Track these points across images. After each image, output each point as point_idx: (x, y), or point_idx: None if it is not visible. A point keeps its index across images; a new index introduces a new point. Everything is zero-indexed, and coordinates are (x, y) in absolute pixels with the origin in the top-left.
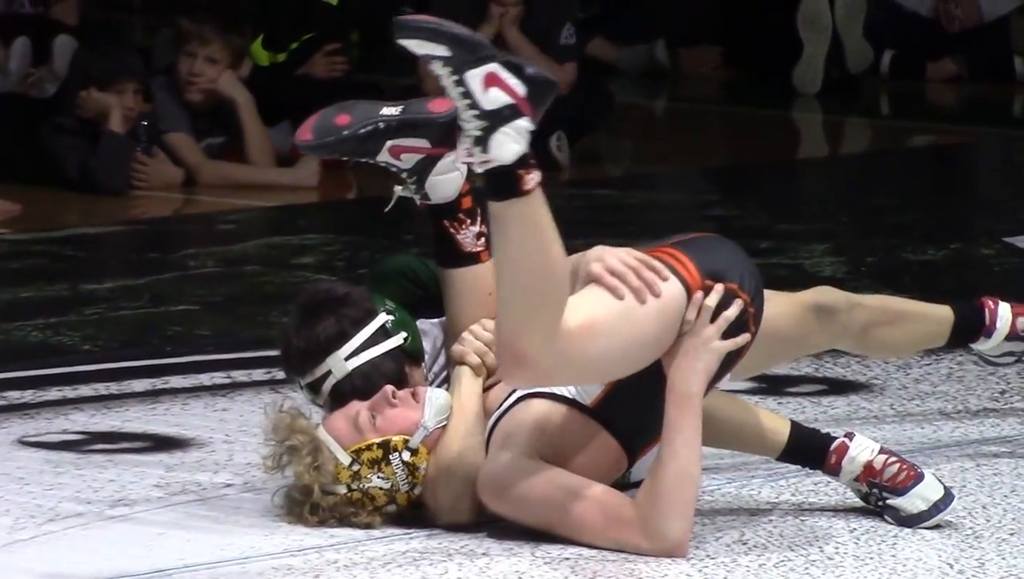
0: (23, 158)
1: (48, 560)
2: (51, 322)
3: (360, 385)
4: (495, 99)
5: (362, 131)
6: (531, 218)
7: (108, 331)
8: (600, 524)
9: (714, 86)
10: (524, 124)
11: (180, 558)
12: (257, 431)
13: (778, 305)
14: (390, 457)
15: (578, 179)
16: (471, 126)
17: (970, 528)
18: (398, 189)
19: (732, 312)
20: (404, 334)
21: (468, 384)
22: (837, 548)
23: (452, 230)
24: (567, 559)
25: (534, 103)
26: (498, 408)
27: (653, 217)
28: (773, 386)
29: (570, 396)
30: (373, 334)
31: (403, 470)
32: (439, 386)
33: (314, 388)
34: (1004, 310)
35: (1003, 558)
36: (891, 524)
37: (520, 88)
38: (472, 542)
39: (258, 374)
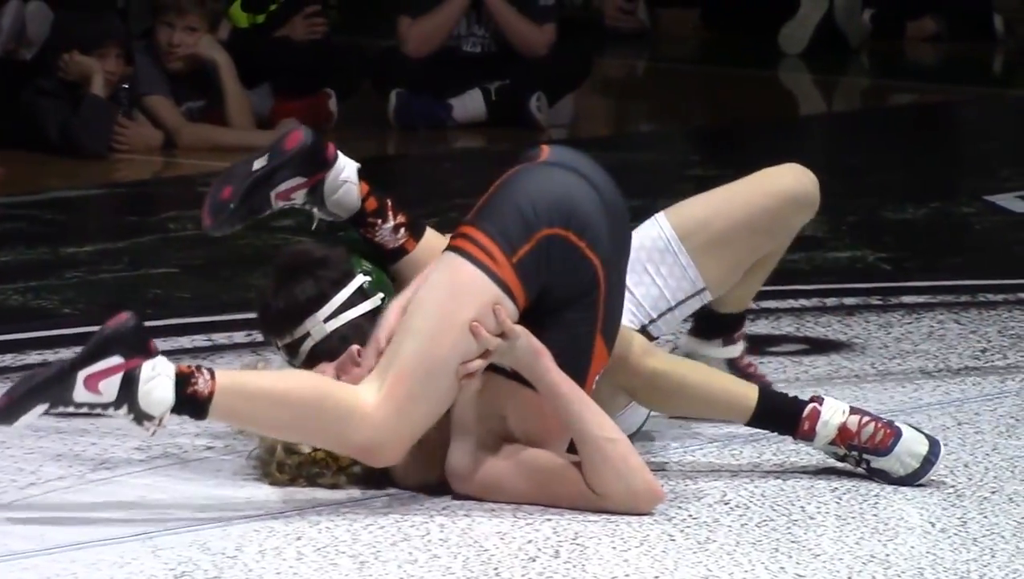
0: (2, 121)
1: (30, 523)
2: (31, 286)
3: (339, 348)
4: (109, 388)
5: (245, 195)
6: (236, 403)
7: (88, 294)
8: (571, 501)
9: (695, 46)
10: (147, 371)
11: (161, 521)
12: None
13: (735, 194)
14: None
15: (559, 140)
16: (123, 418)
17: (952, 486)
18: (315, 211)
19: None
20: (382, 295)
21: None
22: (819, 508)
23: (369, 236)
24: (549, 520)
25: (134, 355)
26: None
27: (634, 177)
28: (753, 346)
29: (509, 369)
30: (351, 296)
31: None
32: None
33: (292, 350)
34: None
35: (984, 516)
36: (878, 484)
37: (114, 359)
38: (454, 503)
39: (239, 337)
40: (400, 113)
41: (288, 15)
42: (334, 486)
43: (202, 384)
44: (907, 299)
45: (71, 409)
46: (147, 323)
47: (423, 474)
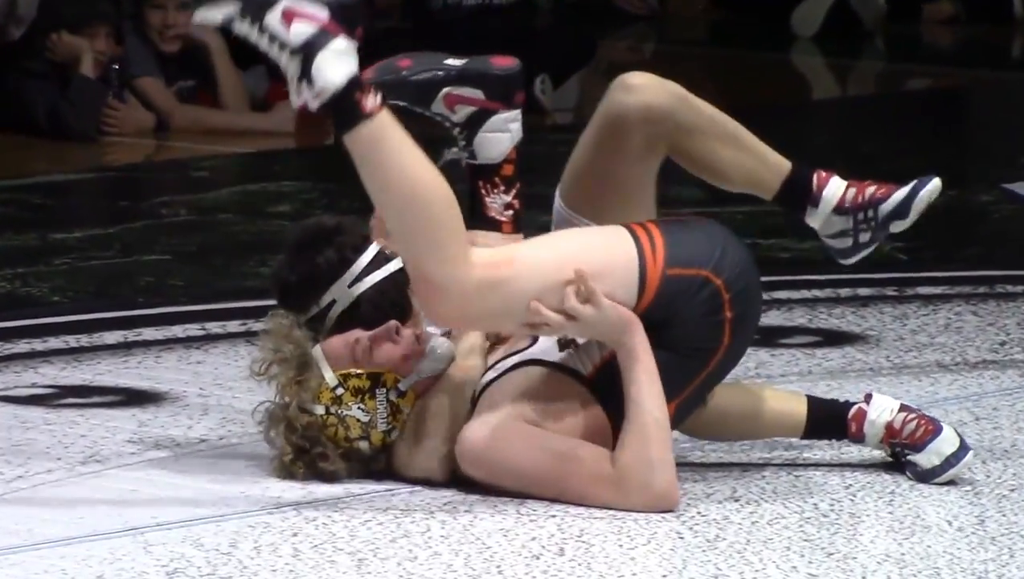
0: None
1: (17, 518)
2: (19, 273)
3: (367, 313)
4: (300, 32)
5: (422, 75)
6: (382, 142)
7: (78, 282)
8: (583, 485)
9: (705, 28)
10: (341, 44)
11: (153, 516)
12: (233, 385)
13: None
14: (376, 391)
15: (564, 124)
16: (291, 66)
17: (969, 484)
18: (449, 151)
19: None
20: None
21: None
22: (832, 505)
23: (483, 191)
24: (553, 516)
25: (342, 22)
26: (491, 370)
27: None
28: (765, 337)
29: (568, 365)
30: (374, 258)
31: (385, 408)
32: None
33: (318, 322)
34: (835, 183)
35: (1003, 514)
36: (909, 479)
37: (321, 12)
38: (456, 499)
39: (233, 326)
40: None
41: None
42: (333, 476)
43: (371, 101)
44: (923, 290)
45: (255, 28)
46: (139, 312)
47: (426, 465)
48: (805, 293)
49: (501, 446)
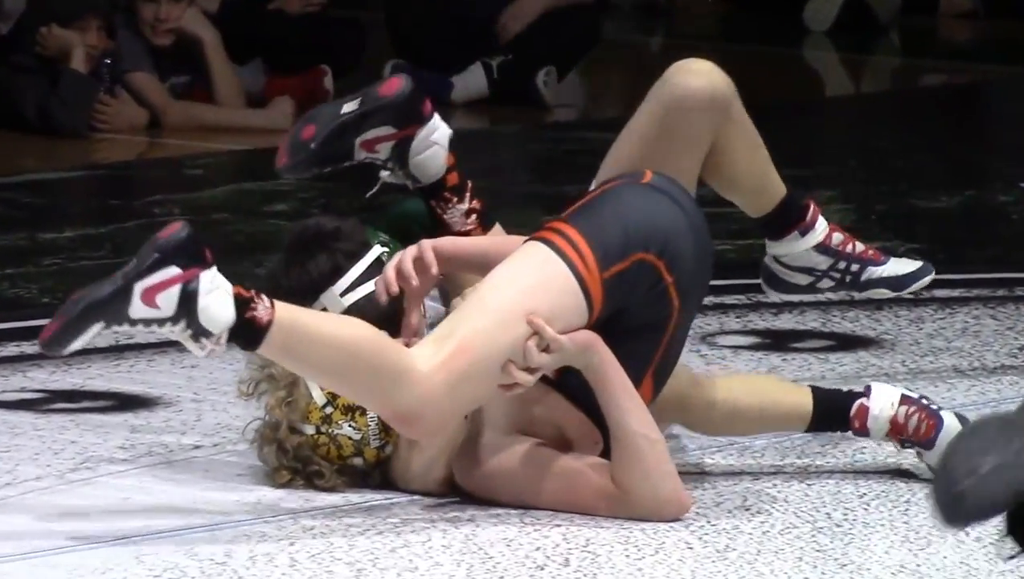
0: None
1: (6, 527)
2: (7, 273)
3: None
4: (167, 302)
5: (329, 137)
6: (292, 337)
7: (68, 283)
8: (588, 503)
9: (714, 21)
10: (206, 281)
11: (146, 525)
12: (228, 389)
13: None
14: (367, 412)
15: (567, 121)
16: (180, 333)
17: None
18: (383, 174)
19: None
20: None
21: None
22: (846, 514)
23: (439, 211)
24: (558, 526)
25: (190, 265)
26: None
27: None
28: (777, 342)
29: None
30: (369, 268)
31: (377, 425)
32: None
33: None
34: (823, 221)
35: None
36: (909, 488)
37: (171, 270)
38: (457, 508)
39: None
40: None
41: None
42: (331, 489)
43: (262, 310)
44: (940, 293)
45: (126, 326)
46: None
47: (424, 480)
48: (818, 296)
49: (496, 464)
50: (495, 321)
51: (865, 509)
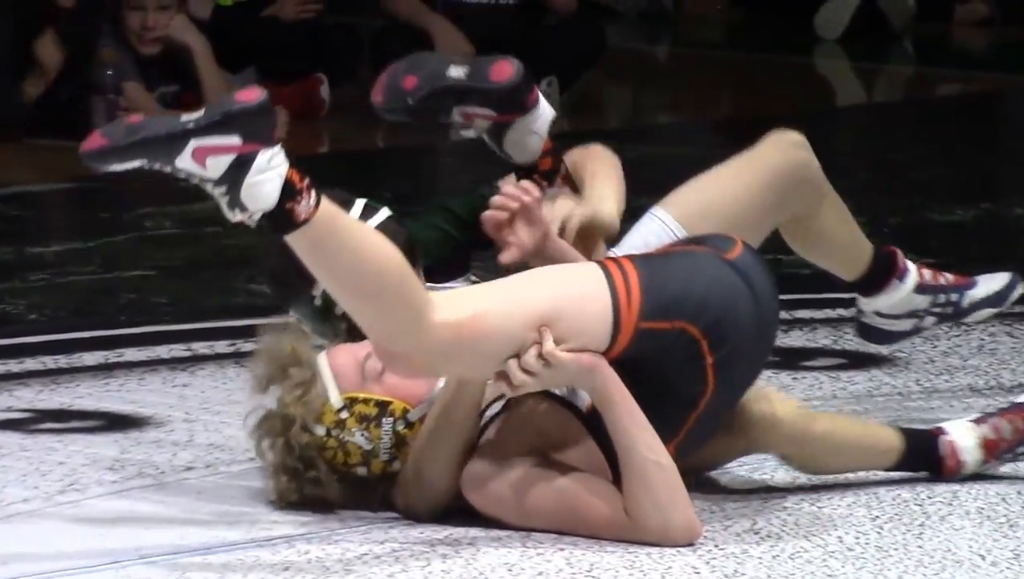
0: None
1: None
2: None
3: None
4: (217, 166)
5: (429, 97)
6: (324, 240)
7: (56, 299)
8: (595, 529)
9: (722, 29)
10: (262, 162)
11: (136, 548)
12: (221, 409)
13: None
14: (383, 421)
15: (571, 131)
16: (217, 195)
17: (1004, 515)
18: (486, 137)
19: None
20: (386, 208)
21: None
22: (858, 538)
23: None
24: (562, 549)
25: (254, 139)
26: (496, 402)
27: (654, 173)
28: (787, 360)
29: (567, 399)
30: (360, 215)
31: (390, 439)
32: None
33: (322, 320)
34: (909, 261)
35: None
36: (923, 512)
37: (232, 139)
38: (457, 531)
39: (221, 346)
40: None
41: None
42: (324, 502)
43: (303, 207)
44: None
45: (168, 170)
46: (121, 331)
47: (428, 489)
48: (829, 312)
49: (506, 480)
50: (517, 311)
51: (878, 533)
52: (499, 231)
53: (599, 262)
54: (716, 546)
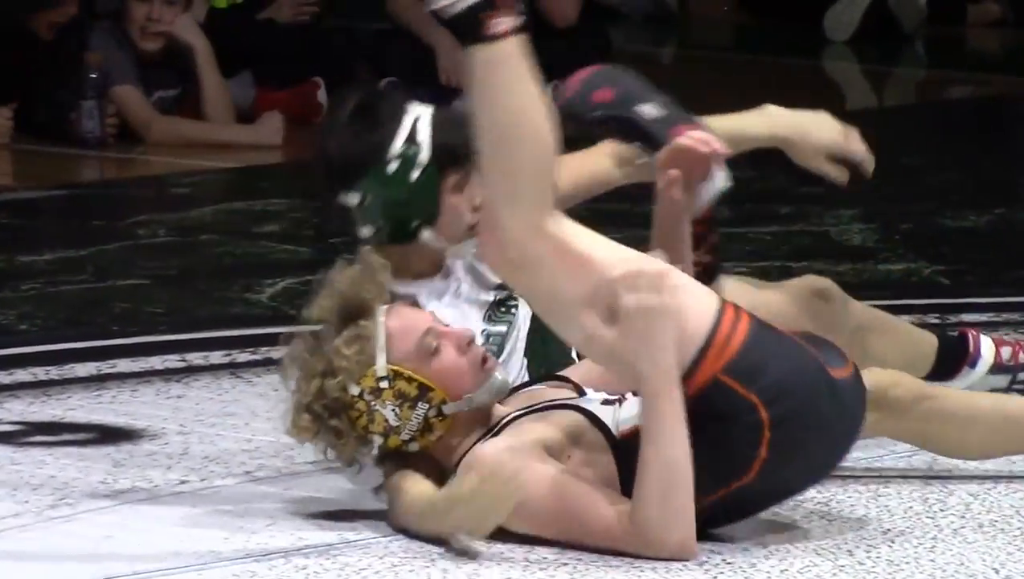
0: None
1: None
2: None
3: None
4: None
5: (609, 122)
6: (497, 69)
7: (47, 308)
8: (597, 533)
9: (728, 31)
10: None
11: (129, 564)
12: (216, 421)
13: (769, 293)
14: (418, 404)
15: (575, 135)
16: None
17: (1018, 528)
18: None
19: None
20: None
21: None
22: (869, 552)
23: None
24: (565, 565)
25: None
26: (531, 406)
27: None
28: None
29: (603, 419)
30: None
31: (418, 424)
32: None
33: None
34: (987, 341)
35: None
36: (935, 526)
37: None
38: (458, 546)
39: (216, 357)
40: None
41: None
42: (346, 460)
43: (499, 24)
44: (968, 317)
45: None
46: (114, 341)
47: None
48: None
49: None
50: (616, 271)
51: (890, 546)
52: (667, 167)
53: (721, 299)
54: (724, 560)
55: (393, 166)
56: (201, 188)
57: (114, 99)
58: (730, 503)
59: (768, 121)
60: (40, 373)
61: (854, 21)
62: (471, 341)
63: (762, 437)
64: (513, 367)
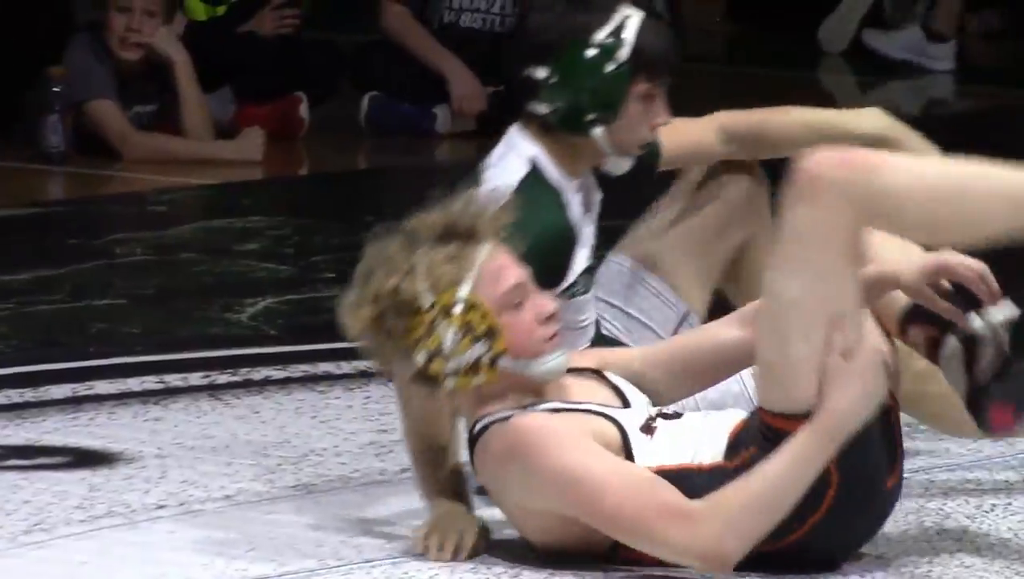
0: None
1: None
2: None
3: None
4: None
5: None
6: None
7: (23, 329)
8: (647, 507)
9: (721, 42)
10: None
11: None
12: (194, 444)
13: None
14: (479, 343)
15: None
16: None
17: (1016, 552)
18: None
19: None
20: None
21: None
22: (863, 577)
23: None
24: None
25: None
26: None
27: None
28: None
29: (633, 448)
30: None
31: (467, 362)
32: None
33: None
34: None
35: None
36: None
37: None
38: (442, 572)
39: (195, 378)
40: (374, 120)
41: (254, 7)
42: (379, 360)
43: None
44: None
45: None
46: (90, 362)
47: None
48: None
49: (557, 437)
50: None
51: (885, 571)
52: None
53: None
54: None
55: (591, 52)
56: (180, 205)
57: (90, 114)
58: (774, 555)
59: (879, 121)
60: (15, 395)
61: (850, 32)
62: (552, 316)
63: (826, 495)
64: (589, 330)
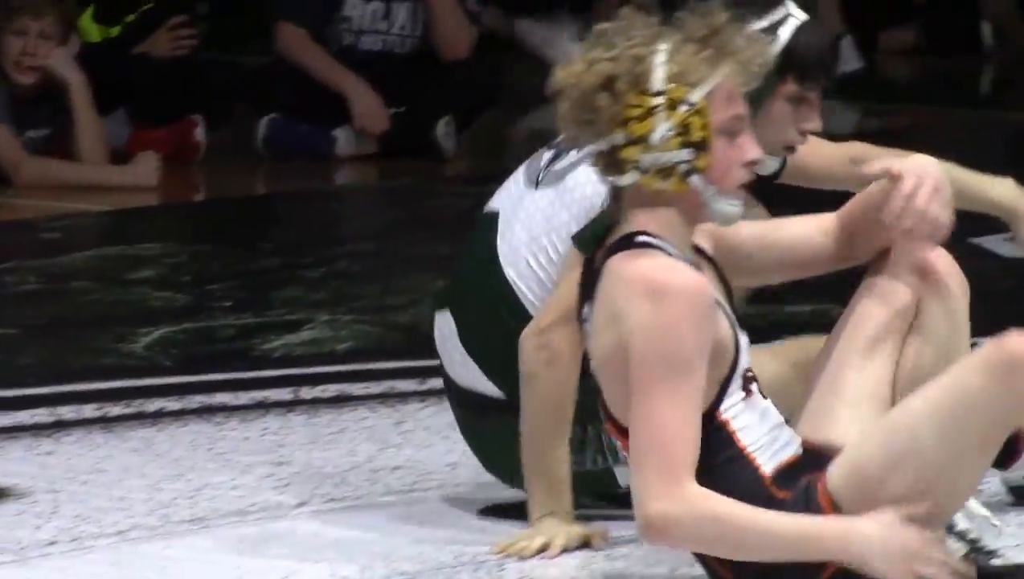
0: None
1: None
2: None
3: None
4: None
5: None
6: None
7: None
8: (665, 444)
9: None
10: None
11: None
12: (87, 478)
13: (763, 357)
14: (687, 148)
15: (473, 173)
16: None
17: (1011, 575)
18: None
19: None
20: None
21: None
22: None
23: None
24: None
25: None
26: None
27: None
28: None
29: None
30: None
31: (668, 161)
32: None
33: None
34: None
35: None
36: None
37: None
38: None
39: (88, 411)
40: (272, 142)
41: (149, 28)
42: (572, 132)
43: None
44: None
45: None
46: None
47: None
48: None
49: (691, 326)
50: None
51: None
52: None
53: None
54: None
55: None
56: (72, 232)
57: None
58: None
59: (1012, 192)
60: None
61: None
62: (754, 163)
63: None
64: None
